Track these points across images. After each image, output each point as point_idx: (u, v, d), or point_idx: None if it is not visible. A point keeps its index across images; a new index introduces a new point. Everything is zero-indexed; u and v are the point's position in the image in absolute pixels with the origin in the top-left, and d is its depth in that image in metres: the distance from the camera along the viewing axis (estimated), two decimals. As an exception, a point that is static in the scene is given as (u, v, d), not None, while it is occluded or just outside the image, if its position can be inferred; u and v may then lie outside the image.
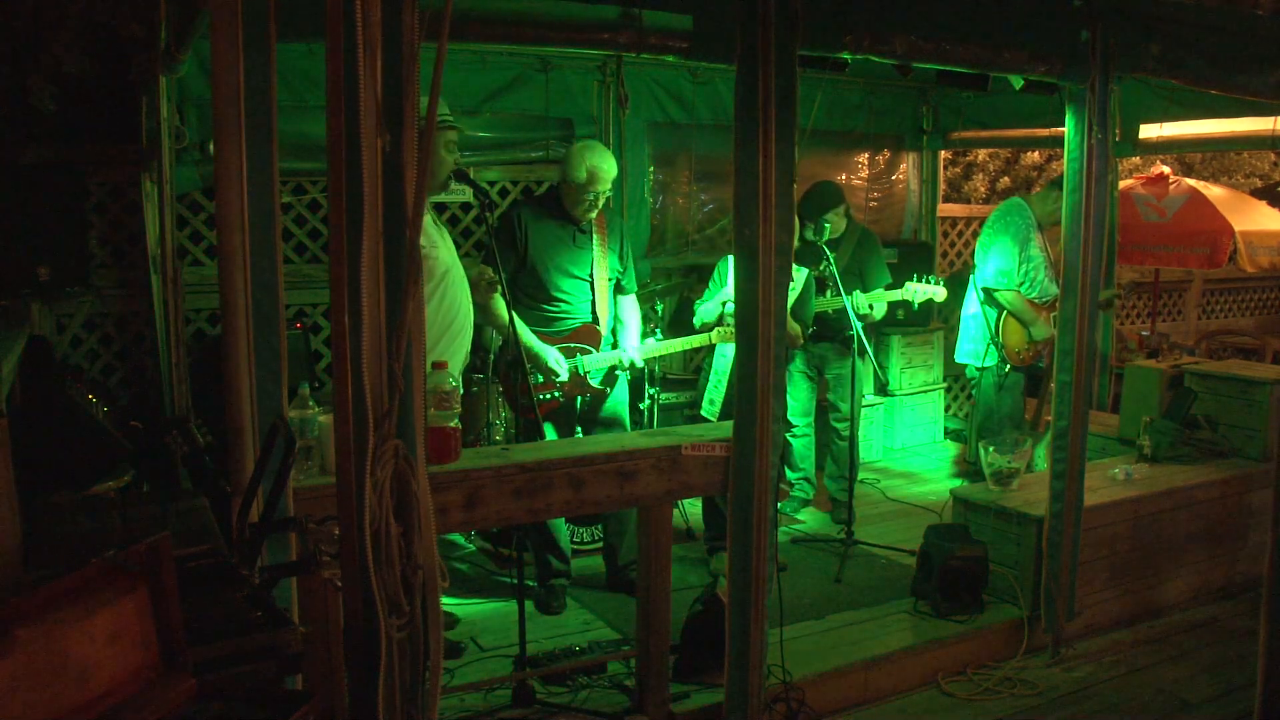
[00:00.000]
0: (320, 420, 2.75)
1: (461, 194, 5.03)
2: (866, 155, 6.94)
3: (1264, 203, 7.75)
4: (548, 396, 4.20)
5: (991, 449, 4.48)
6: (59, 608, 1.32)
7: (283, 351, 2.33)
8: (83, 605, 1.35)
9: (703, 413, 4.85)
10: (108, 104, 4.37)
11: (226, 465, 2.36)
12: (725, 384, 4.64)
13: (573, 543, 4.72)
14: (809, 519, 5.52)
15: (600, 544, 4.74)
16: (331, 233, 1.65)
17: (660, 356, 4.61)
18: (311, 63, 4.55)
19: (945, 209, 7.40)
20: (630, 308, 4.44)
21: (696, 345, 4.62)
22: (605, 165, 4.08)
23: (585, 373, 4.25)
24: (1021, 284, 5.36)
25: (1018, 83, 4.00)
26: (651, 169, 5.89)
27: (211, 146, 3.52)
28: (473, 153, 5.24)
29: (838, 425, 5.41)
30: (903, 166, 7.12)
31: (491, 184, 5.37)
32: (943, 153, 7.38)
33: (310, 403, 2.79)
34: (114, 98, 4.34)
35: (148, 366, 4.60)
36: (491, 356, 4.70)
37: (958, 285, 5.72)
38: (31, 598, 1.29)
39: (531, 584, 4.28)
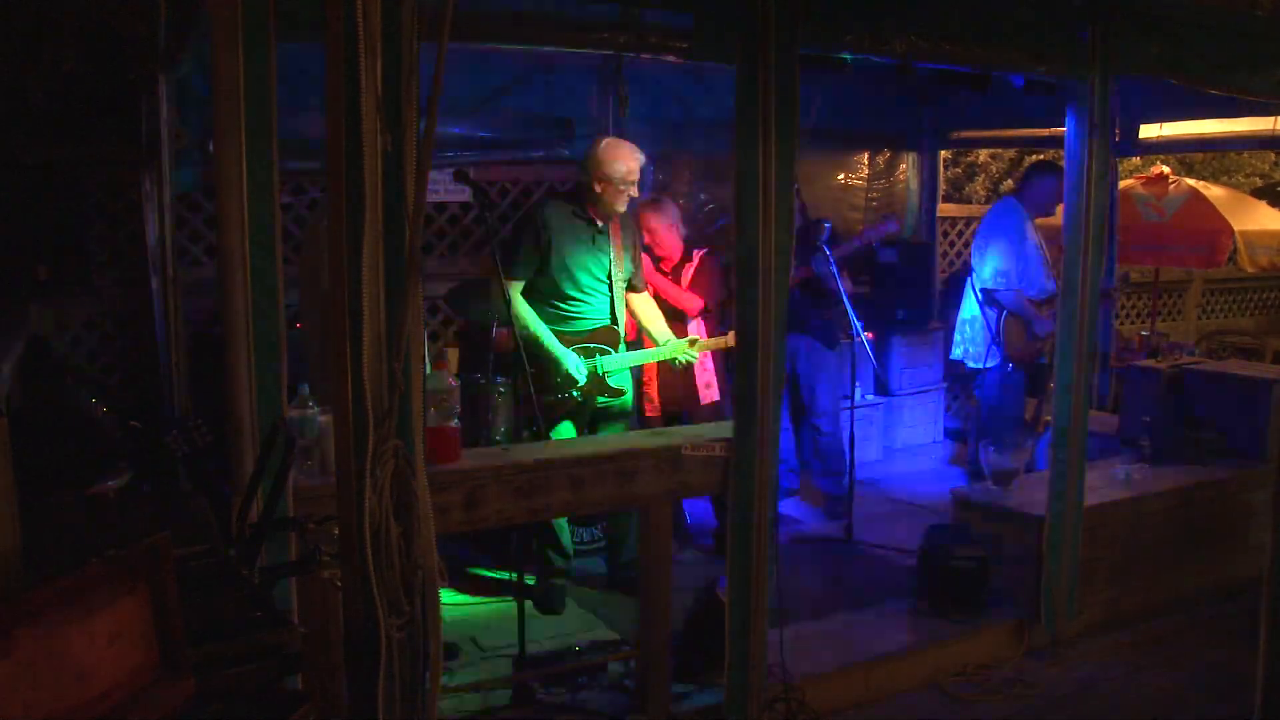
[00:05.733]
0: (320, 420, 2.75)
1: (461, 193, 5.03)
2: (866, 155, 6.93)
3: (1264, 203, 7.73)
4: (565, 396, 4.20)
5: (992, 449, 4.48)
6: (59, 608, 1.32)
7: (283, 352, 2.34)
8: (83, 605, 1.35)
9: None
10: (108, 104, 4.36)
11: (226, 465, 2.37)
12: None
13: (573, 542, 4.72)
14: (802, 515, 5.52)
15: (600, 544, 4.73)
16: (332, 232, 1.65)
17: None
18: (311, 62, 4.53)
19: (945, 209, 7.39)
20: (648, 303, 4.45)
21: (668, 357, 4.43)
22: (630, 163, 4.05)
23: (604, 374, 4.24)
24: (1020, 283, 5.36)
25: (1018, 83, 4.00)
26: (651, 169, 5.89)
27: (211, 146, 3.52)
28: (473, 153, 5.23)
29: (816, 422, 5.41)
30: (903, 166, 7.11)
31: (491, 184, 5.36)
32: (943, 153, 7.37)
33: (310, 403, 2.79)
34: (114, 98, 4.33)
35: (147, 366, 4.60)
36: (492, 355, 4.68)
37: (953, 287, 5.71)
38: (31, 598, 1.29)
39: (531, 582, 4.28)
